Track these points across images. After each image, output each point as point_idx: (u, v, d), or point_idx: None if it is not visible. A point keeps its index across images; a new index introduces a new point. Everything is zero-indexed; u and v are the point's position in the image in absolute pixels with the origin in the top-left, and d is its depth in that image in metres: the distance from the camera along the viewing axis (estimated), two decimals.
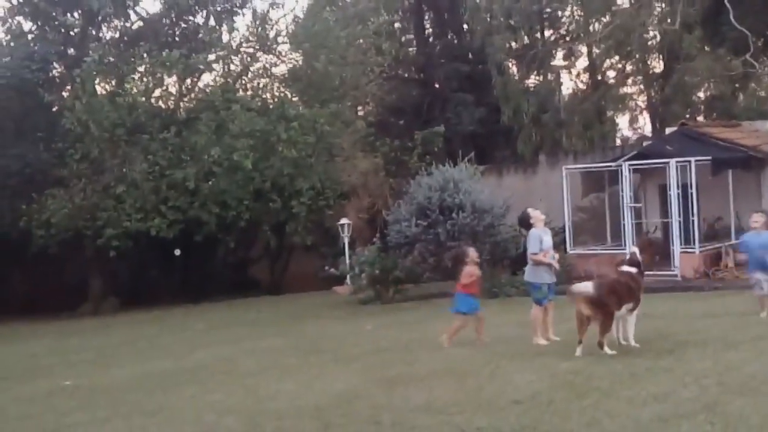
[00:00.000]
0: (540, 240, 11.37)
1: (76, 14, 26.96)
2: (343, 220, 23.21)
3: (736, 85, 26.96)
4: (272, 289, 28.16)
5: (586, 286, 9.92)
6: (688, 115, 26.78)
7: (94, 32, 27.79)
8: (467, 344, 11.65)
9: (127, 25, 28.24)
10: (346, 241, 22.75)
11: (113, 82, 25.78)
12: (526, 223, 11.72)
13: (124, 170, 24.36)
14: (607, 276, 11.55)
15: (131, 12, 28.23)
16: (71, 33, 27.41)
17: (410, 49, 33.99)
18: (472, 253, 12.03)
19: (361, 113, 29.58)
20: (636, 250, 10.76)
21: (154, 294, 26.99)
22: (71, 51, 27.32)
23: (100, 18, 27.44)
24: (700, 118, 27.40)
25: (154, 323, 20.63)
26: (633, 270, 10.21)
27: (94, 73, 24.31)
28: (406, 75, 34.60)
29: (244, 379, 10.79)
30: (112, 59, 25.48)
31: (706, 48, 25.90)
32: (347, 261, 21.60)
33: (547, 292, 11.32)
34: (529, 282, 11.57)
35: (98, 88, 25.16)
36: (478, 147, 28.40)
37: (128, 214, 23.73)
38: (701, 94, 29.48)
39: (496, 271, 18.49)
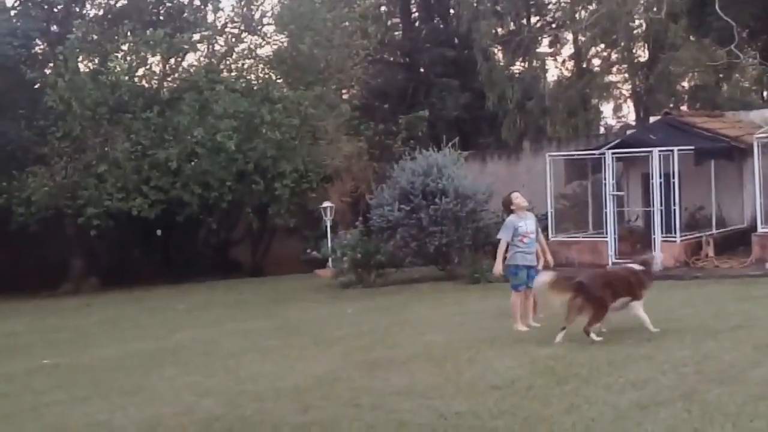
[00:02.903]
0: (514, 228, 11.31)
1: None
2: (326, 203, 23.17)
3: (720, 76, 27.04)
4: (254, 271, 28.13)
5: (546, 277, 10.22)
6: (672, 105, 26.85)
7: (77, 9, 27.44)
8: (446, 330, 11.68)
9: (111, 2, 27.89)
10: (329, 224, 22.74)
11: (96, 60, 25.50)
12: (507, 206, 11.67)
13: (106, 149, 24.14)
14: (606, 269, 11.66)
15: None
16: (54, 9, 27.06)
17: (396, 33, 33.91)
18: None
19: (345, 96, 29.45)
20: (655, 254, 10.97)
21: (135, 274, 26.87)
22: (54, 28, 27.00)
23: None
24: (684, 108, 27.47)
25: (134, 303, 20.55)
26: (638, 267, 10.31)
27: (77, 50, 24.04)
28: (392, 59, 34.51)
29: (224, 361, 10.78)
30: (95, 37, 25.24)
31: (692, 38, 25.94)
32: (329, 244, 21.58)
33: (526, 279, 11.30)
34: (509, 265, 11.52)
35: (81, 66, 24.89)
36: (462, 132, 28.39)
37: (109, 194, 23.53)
38: (685, 84, 29.59)
39: (477, 256, 18.50)
